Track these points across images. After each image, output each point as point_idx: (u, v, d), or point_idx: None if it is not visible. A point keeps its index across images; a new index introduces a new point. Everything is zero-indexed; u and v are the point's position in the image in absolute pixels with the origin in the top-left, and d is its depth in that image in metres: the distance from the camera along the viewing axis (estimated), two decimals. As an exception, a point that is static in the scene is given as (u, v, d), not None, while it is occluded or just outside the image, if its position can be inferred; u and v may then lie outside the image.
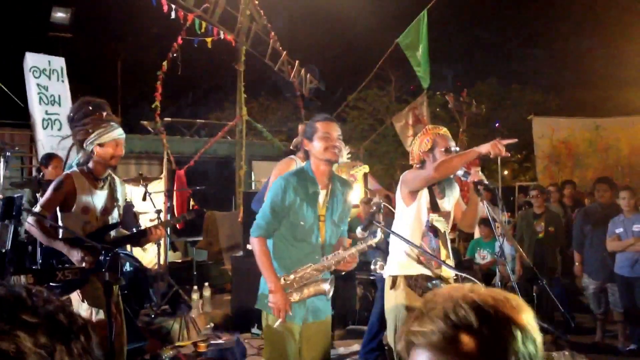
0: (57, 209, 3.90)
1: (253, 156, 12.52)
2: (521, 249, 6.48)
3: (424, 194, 3.92)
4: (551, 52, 30.09)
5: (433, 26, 11.93)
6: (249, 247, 6.17)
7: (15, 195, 3.78)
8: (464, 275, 3.55)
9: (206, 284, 7.72)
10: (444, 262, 3.60)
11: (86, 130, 3.89)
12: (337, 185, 3.58)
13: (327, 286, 3.40)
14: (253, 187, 12.28)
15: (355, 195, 7.87)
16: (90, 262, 3.68)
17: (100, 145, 3.93)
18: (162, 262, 7.65)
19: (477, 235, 8.90)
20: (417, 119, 12.87)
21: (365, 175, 8.94)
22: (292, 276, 3.36)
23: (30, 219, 3.78)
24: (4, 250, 3.86)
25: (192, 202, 10.09)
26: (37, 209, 3.77)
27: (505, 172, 22.66)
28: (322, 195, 3.50)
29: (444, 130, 4.04)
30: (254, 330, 6.68)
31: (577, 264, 7.28)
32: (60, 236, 3.84)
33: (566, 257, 7.78)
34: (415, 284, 3.82)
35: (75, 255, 3.69)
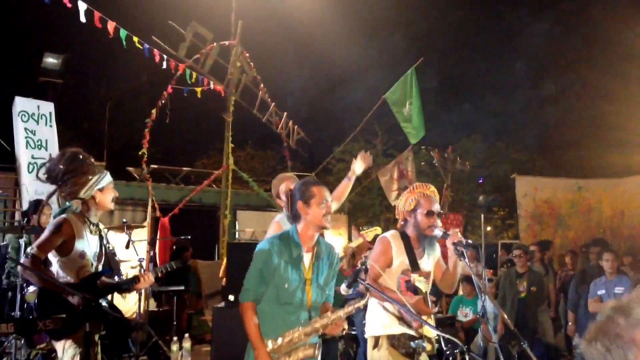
0: (54, 252, 3.88)
1: (238, 205, 12.51)
2: (502, 309, 6.48)
3: (399, 260, 3.97)
4: (536, 112, 30.65)
5: (420, 82, 12.11)
6: (230, 297, 6.13)
7: (1, 244, 3.76)
8: (445, 335, 3.55)
9: (186, 335, 7.62)
10: (425, 321, 3.59)
11: (87, 178, 3.93)
12: (322, 248, 3.57)
13: (315, 350, 3.37)
14: (237, 237, 12.24)
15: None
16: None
17: (101, 190, 4.00)
18: (142, 311, 7.56)
19: (460, 292, 8.91)
20: (402, 174, 12.99)
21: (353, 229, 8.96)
22: (279, 340, 3.30)
23: (24, 260, 3.76)
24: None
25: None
26: (33, 250, 3.75)
27: (489, 229, 22.77)
28: (307, 258, 3.48)
29: (431, 190, 4.09)
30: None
31: (570, 323, 7.28)
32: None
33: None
34: (397, 343, 3.82)
35: (76, 300, 3.68)
